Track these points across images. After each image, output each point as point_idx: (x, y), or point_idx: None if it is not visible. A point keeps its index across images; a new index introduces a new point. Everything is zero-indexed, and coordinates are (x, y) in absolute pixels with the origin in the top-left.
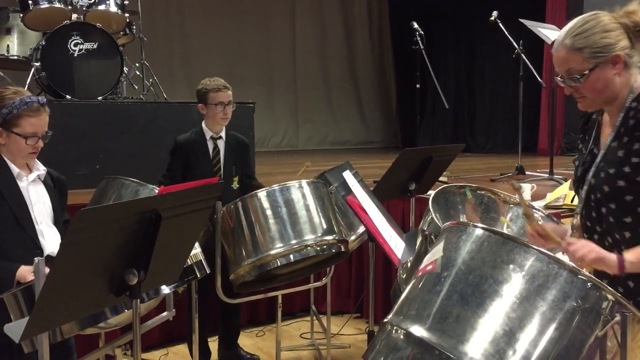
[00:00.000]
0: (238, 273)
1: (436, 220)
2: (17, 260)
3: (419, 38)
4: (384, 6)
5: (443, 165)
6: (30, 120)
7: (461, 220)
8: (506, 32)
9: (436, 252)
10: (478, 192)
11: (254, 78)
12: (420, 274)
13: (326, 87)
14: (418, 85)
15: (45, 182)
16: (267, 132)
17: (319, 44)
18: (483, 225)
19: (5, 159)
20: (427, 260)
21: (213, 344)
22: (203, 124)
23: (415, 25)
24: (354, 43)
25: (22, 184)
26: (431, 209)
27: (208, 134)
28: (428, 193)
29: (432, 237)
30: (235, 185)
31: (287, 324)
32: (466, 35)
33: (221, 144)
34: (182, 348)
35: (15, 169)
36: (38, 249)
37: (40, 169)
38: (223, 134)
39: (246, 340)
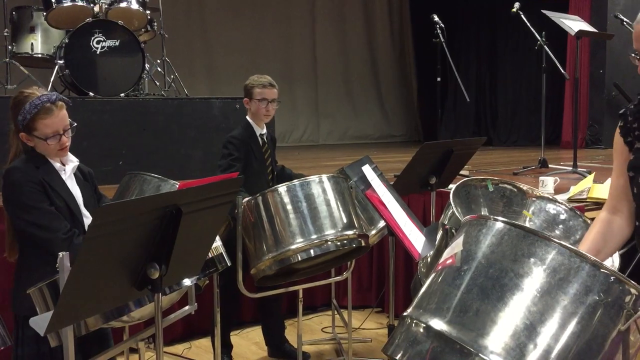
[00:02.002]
0: (259, 267)
1: (457, 214)
2: None
3: (439, 31)
4: None
5: (464, 158)
6: (44, 122)
7: (482, 214)
8: (528, 24)
9: (456, 245)
10: (500, 185)
11: (275, 73)
12: (440, 267)
13: (346, 81)
14: (439, 79)
15: (75, 175)
16: (288, 127)
17: (339, 38)
18: (503, 219)
19: (45, 155)
20: (447, 254)
21: (235, 338)
22: (249, 119)
23: (436, 18)
24: (374, 36)
25: (64, 177)
26: (452, 203)
27: (257, 130)
28: (449, 187)
29: (453, 231)
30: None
31: (308, 318)
32: (488, 27)
33: (266, 140)
34: (205, 342)
35: (56, 164)
36: None
37: (75, 161)
38: (265, 129)
39: None
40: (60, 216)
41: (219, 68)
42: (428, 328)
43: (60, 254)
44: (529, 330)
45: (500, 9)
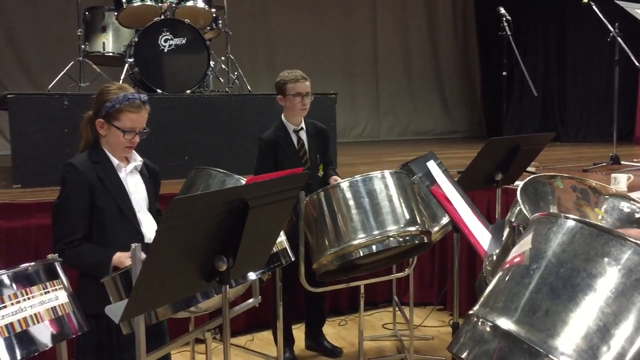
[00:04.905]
0: (321, 262)
1: (524, 212)
2: (121, 246)
3: (506, 24)
4: None
5: (531, 154)
6: (130, 116)
7: (552, 211)
8: (600, 15)
9: (524, 244)
10: (570, 181)
11: (336, 69)
12: (507, 266)
13: (408, 76)
14: (505, 73)
15: (141, 172)
16: (348, 123)
17: (401, 32)
18: (575, 217)
19: (106, 150)
20: (514, 252)
21: (297, 331)
22: (283, 118)
23: (502, 11)
24: (436, 30)
25: (122, 175)
26: (519, 200)
27: (290, 127)
28: (515, 184)
29: (520, 228)
30: (320, 173)
31: (369, 314)
32: (556, 18)
33: (303, 135)
34: (267, 334)
35: (115, 160)
36: (139, 234)
37: (137, 160)
38: (303, 124)
39: (329, 329)
40: (79, 225)
41: (280, 64)
42: (495, 327)
43: (133, 245)
44: (602, 332)
45: None
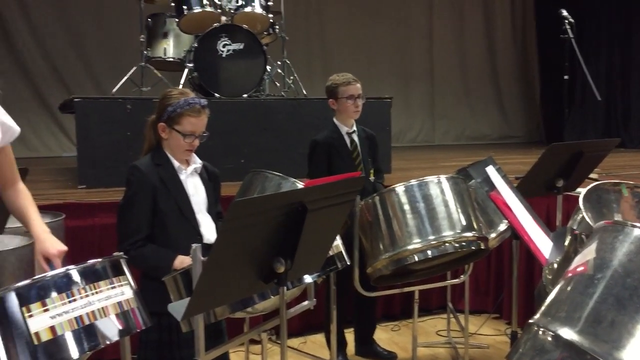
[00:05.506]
0: (375, 266)
1: (587, 220)
2: (181, 247)
3: (568, 27)
4: None
5: (595, 161)
6: (190, 120)
7: (617, 219)
8: None
9: (588, 252)
10: (635, 190)
11: (390, 73)
12: (569, 275)
13: (463, 80)
14: (566, 77)
15: (200, 175)
16: (403, 127)
17: (457, 35)
18: None
19: (167, 153)
20: (577, 261)
21: (349, 335)
22: (335, 120)
23: (565, 13)
24: (494, 33)
25: (182, 177)
26: (582, 207)
27: (343, 129)
28: (577, 190)
29: (583, 237)
30: (372, 177)
31: (423, 320)
32: (621, 20)
33: (356, 138)
34: (320, 337)
35: (175, 163)
36: (198, 235)
37: (197, 163)
38: (355, 127)
39: (382, 334)
40: (142, 225)
41: (335, 68)
42: (557, 337)
43: (193, 245)
44: None
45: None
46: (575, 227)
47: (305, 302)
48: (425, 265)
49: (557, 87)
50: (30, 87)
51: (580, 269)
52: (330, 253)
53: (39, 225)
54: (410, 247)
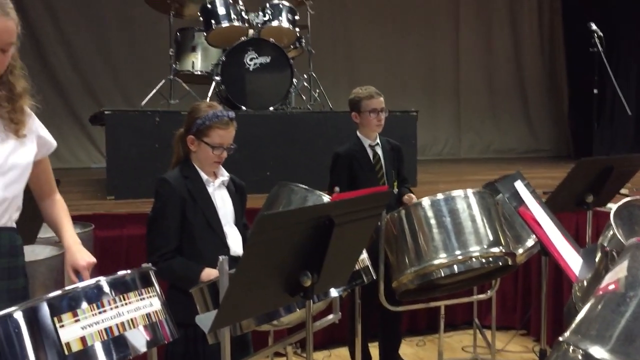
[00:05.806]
0: (401, 281)
1: (619, 236)
2: (208, 259)
3: (597, 40)
4: (557, 5)
5: (626, 176)
6: (219, 132)
7: None
8: None
9: (619, 270)
10: None
11: (416, 86)
12: (600, 292)
13: (490, 93)
14: (596, 91)
15: (228, 187)
16: (429, 140)
17: (484, 48)
18: None
19: (196, 166)
20: (608, 278)
21: (373, 349)
22: (358, 133)
23: (594, 27)
24: (522, 46)
25: (210, 189)
26: (613, 224)
27: (366, 142)
28: (607, 206)
29: (614, 254)
30: (395, 189)
31: (448, 336)
32: None
33: (379, 150)
34: (344, 351)
35: (204, 176)
36: (225, 247)
37: (225, 175)
38: (378, 140)
39: (406, 349)
40: (171, 237)
41: (362, 82)
42: (588, 355)
43: (220, 257)
44: None
45: None
46: (606, 244)
47: (330, 316)
48: (451, 280)
49: (585, 101)
50: (61, 99)
51: (611, 286)
52: (357, 267)
53: (71, 236)
54: (437, 261)
